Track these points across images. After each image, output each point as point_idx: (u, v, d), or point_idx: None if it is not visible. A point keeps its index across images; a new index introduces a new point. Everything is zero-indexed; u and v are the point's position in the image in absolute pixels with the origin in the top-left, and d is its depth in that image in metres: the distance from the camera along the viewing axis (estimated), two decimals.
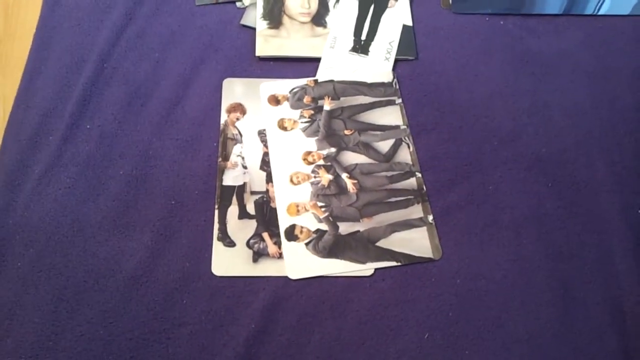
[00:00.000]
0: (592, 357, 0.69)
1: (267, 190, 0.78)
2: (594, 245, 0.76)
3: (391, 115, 0.85)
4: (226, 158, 0.79)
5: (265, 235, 0.74)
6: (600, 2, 0.97)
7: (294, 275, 0.72)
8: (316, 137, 0.82)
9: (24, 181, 0.76)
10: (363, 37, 0.92)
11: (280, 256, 0.73)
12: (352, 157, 0.81)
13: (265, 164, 0.80)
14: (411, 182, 0.79)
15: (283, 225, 0.75)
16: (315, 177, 0.79)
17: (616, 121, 0.86)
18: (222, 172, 0.78)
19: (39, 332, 0.67)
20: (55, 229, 0.73)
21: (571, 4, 0.97)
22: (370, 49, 0.91)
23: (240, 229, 0.75)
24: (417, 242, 0.75)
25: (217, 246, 0.73)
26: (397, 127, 0.84)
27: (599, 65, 0.91)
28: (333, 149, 0.81)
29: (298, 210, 0.76)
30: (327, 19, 0.93)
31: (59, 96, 0.83)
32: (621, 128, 0.85)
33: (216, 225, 0.74)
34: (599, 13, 0.96)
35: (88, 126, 0.81)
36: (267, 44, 0.89)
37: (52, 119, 0.81)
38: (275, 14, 0.92)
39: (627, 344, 0.69)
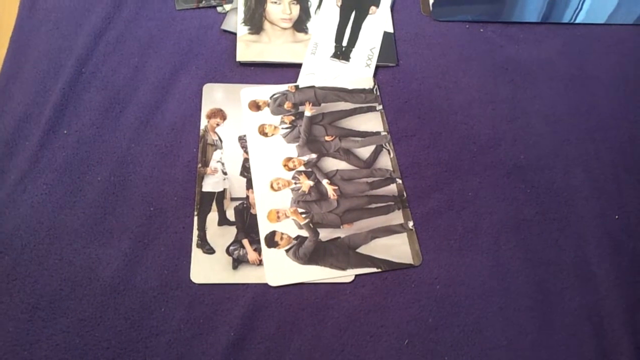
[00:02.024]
0: None
1: (247, 197, 0.77)
2: (571, 251, 0.76)
3: (372, 122, 0.85)
4: (206, 164, 0.79)
5: (245, 241, 0.74)
6: (577, 11, 0.98)
7: (274, 282, 0.71)
8: (297, 143, 0.82)
9: (0, 187, 0.75)
10: (344, 44, 0.92)
11: (260, 263, 0.73)
12: (332, 163, 0.81)
13: (245, 170, 0.79)
14: (392, 189, 0.79)
15: (263, 231, 0.75)
16: (295, 183, 0.79)
17: (593, 128, 0.87)
18: (202, 178, 0.78)
19: (13, 342, 0.65)
20: (31, 236, 0.71)
21: (549, 12, 0.98)
22: (352, 55, 0.91)
23: (220, 236, 0.74)
24: (397, 248, 0.75)
25: (196, 253, 0.72)
26: (378, 133, 0.84)
27: (576, 73, 0.92)
28: (314, 155, 0.81)
29: (278, 217, 0.76)
30: (309, 25, 0.93)
31: (36, 101, 0.81)
32: (598, 135, 0.86)
33: (195, 232, 0.74)
34: (576, 21, 0.98)
35: (65, 131, 0.79)
36: (248, 49, 0.89)
37: (29, 124, 0.79)
38: (256, 20, 0.92)
39: (605, 348, 0.70)
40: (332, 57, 0.91)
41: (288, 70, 0.89)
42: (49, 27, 0.89)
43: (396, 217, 0.77)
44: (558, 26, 0.97)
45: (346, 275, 0.73)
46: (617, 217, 0.79)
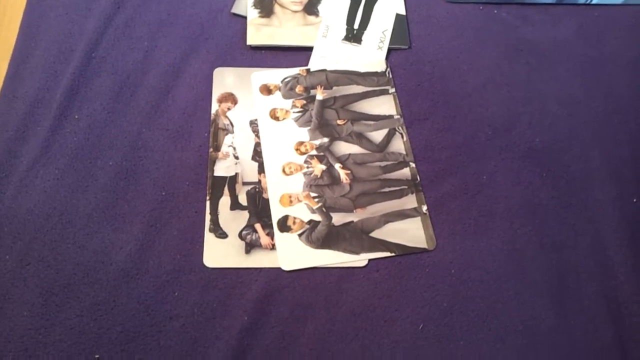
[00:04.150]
0: (588, 348, 0.68)
1: (259, 181, 0.77)
2: (588, 235, 0.75)
3: (384, 105, 0.84)
4: (217, 148, 0.78)
5: (258, 226, 0.74)
6: None
7: (287, 266, 0.71)
8: (309, 127, 0.81)
9: (11, 173, 0.75)
10: (356, 26, 0.91)
11: (273, 247, 0.72)
12: (345, 147, 0.80)
13: (257, 155, 0.79)
14: (405, 172, 0.79)
15: (276, 216, 0.74)
16: (307, 167, 0.78)
17: (610, 111, 0.85)
18: (214, 163, 0.77)
19: (28, 326, 0.66)
20: (43, 221, 0.71)
21: None
22: (363, 38, 0.90)
23: (232, 220, 0.74)
24: (411, 232, 0.74)
25: (209, 237, 0.72)
26: (391, 116, 0.83)
27: (593, 55, 0.91)
28: (326, 139, 0.80)
29: (291, 201, 0.75)
30: (320, 7, 0.92)
31: (47, 86, 0.81)
32: (615, 117, 0.85)
33: (208, 217, 0.73)
34: (592, 2, 0.95)
35: (76, 116, 0.79)
36: (259, 32, 0.88)
37: (40, 109, 0.79)
38: (266, 3, 0.91)
39: (622, 334, 0.69)
40: (343, 40, 0.89)
41: (299, 54, 0.88)
42: (58, 12, 0.88)
43: (410, 201, 0.76)
44: (574, 7, 0.96)
45: (359, 260, 0.72)
46: (635, 200, 0.78)
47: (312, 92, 0.84)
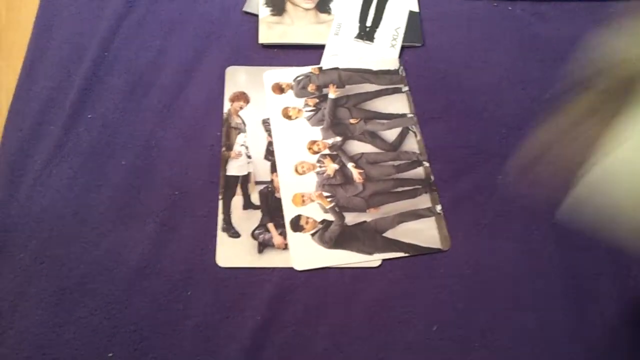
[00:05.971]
0: (604, 350, 0.67)
1: (272, 180, 0.77)
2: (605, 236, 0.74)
3: (398, 104, 0.83)
4: (230, 148, 0.78)
5: (271, 225, 0.73)
6: None
7: (299, 266, 0.70)
8: (321, 126, 0.81)
9: (26, 172, 0.75)
10: (368, 24, 0.90)
11: (286, 247, 0.72)
12: (358, 146, 0.79)
13: (269, 154, 0.78)
14: (418, 172, 0.78)
15: (288, 215, 0.74)
16: (320, 166, 0.78)
17: None
18: (226, 162, 0.77)
19: (42, 324, 0.66)
20: (57, 220, 0.72)
21: None
22: (376, 35, 0.89)
23: (245, 220, 0.73)
24: (425, 232, 0.73)
25: (222, 237, 0.72)
26: (404, 115, 0.82)
27: None
28: (339, 138, 0.80)
29: (303, 201, 0.75)
30: (332, 5, 0.91)
31: (60, 85, 0.81)
32: None
33: (220, 216, 0.73)
34: None
35: (90, 115, 0.79)
36: (271, 31, 0.87)
37: (53, 109, 0.80)
38: (278, 1, 0.90)
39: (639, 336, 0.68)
40: (356, 37, 0.89)
41: (311, 52, 0.87)
42: (71, 12, 0.88)
43: (423, 201, 0.76)
44: (589, 3, 0.94)
45: (373, 260, 0.71)
46: None
47: (325, 90, 0.83)
